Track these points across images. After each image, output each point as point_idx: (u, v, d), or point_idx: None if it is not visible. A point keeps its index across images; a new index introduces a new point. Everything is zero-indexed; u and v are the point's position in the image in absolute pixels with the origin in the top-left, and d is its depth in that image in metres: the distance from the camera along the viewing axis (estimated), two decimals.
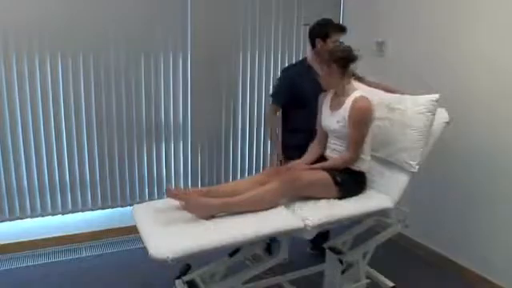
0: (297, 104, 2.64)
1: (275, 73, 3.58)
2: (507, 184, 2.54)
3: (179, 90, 3.32)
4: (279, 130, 2.82)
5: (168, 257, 1.58)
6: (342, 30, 2.58)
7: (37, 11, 2.80)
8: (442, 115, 2.22)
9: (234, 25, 3.39)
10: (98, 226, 3.28)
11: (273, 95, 2.82)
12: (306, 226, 1.87)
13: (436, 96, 2.09)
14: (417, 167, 2.11)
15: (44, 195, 3.06)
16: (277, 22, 3.52)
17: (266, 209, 1.92)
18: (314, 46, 2.62)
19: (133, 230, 1.98)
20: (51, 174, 3.05)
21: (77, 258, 3.05)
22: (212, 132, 3.47)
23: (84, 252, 3.12)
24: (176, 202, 1.91)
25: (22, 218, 3.04)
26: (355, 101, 2.09)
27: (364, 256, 2.38)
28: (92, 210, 3.24)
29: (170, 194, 1.94)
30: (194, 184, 3.48)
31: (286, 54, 3.59)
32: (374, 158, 2.25)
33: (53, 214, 3.12)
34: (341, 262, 2.30)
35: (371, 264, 2.47)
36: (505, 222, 2.58)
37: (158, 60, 3.20)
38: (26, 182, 2.99)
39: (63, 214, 3.15)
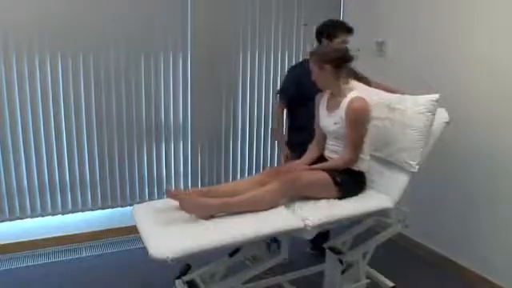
0: (302, 102, 2.64)
1: (275, 73, 3.58)
2: (507, 184, 2.55)
3: (179, 90, 3.32)
4: (285, 129, 2.82)
5: (168, 257, 1.58)
6: (348, 30, 2.59)
7: (37, 11, 2.80)
8: (442, 115, 2.22)
9: (234, 25, 3.39)
10: (98, 226, 3.28)
11: (280, 91, 2.84)
12: (306, 225, 1.87)
13: (436, 96, 2.09)
14: (417, 167, 2.11)
15: (44, 195, 3.06)
16: (277, 22, 3.52)
17: (266, 209, 1.92)
18: None
19: (133, 230, 1.98)
20: (51, 174, 3.05)
21: (77, 257, 3.05)
22: (212, 132, 3.48)
23: (84, 252, 3.12)
24: (176, 203, 1.91)
25: (22, 218, 3.04)
26: (351, 101, 2.08)
27: (364, 256, 2.38)
28: (92, 210, 3.24)
29: (170, 195, 1.94)
30: (194, 184, 3.48)
31: (286, 54, 3.60)
32: (373, 157, 2.25)
33: (53, 214, 3.12)
34: (341, 261, 2.30)
35: (371, 264, 2.47)
36: (505, 221, 2.58)
37: (158, 60, 3.20)
38: (26, 182, 3.00)
39: (63, 214, 3.15)
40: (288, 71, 2.92)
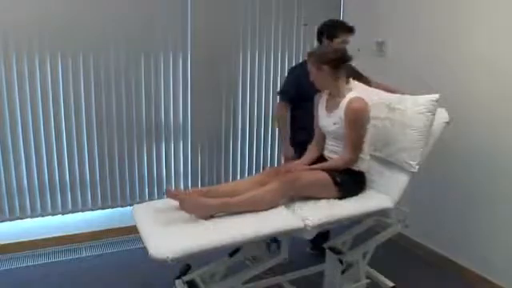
0: (302, 103, 2.64)
1: (275, 73, 3.58)
2: (507, 184, 2.55)
3: (179, 90, 3.32)
4: (288, 129, 2.82)
5: (168, 257, 1.58)
6: (349, 30, 2.58)
7: (37, 11, 2.80)
8: (442, 115, 2.22)
9: (234, 25, 3.39)
10: (98, 226, 3.28)
11: (281, 92, 2.83)
12: (306, 225, 1.87)
13: (436, 96, 2.09)
14: (417, 167, 2.11)
15: (44, 195, 3.06)
16: (277, 22, 3.52)
17: (266, 209, 1.92)
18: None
19: (133, 230, 1.98)
20: (51, 174, 3.05)
21: (77, 258, 3.05)
22: (212, 132, 3.48)
23: (84, 252, 3.12)
24: (176, 203, 1.91)
25: (22, 218, 3.04)
26: (350, 102, 2.08)
27: (364, 256, 2.38)
28: (92, 209, 3.24)
29: (170, 195, 1.94)
30: (194, 184, 3.48)
31: (286, 55, 3.59)
32: (373, 157, 2.25)
33: (53, 214, 3.12)
34: (341, 261, 2.30)
35: (371, 264, 2.47)
36: (505, 222, 2.58)
37: (158, 60, 3.20)
38: (26, 182, 3.00)
39: (63, 214, 3.15)
40: (288, 72, 2.93)
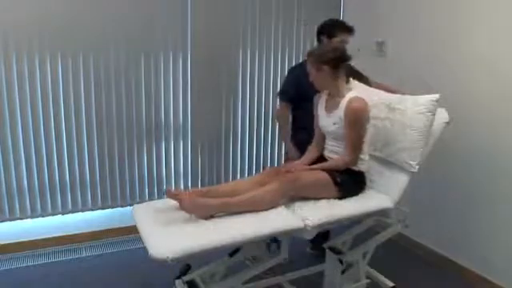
0: (302, 103, 2.63)
1: (275, 73, 3.58)
2: (507, 184, 2.55)
3: (179, 90, 3.32)
4: (289, 129, 2.82)
5: (168, 257, 1.58)
6: (349, 30, 2.58)
7: (37, 11, 2.80)
8: (442, 115, 2.22)
9: (234, 25, 3.39)
10: (98, 226, 3.28)
11: (281, 92, 2.83)
12: (306, 225, 1.87)
13: (436, 96, 2.09)
14: (417, 167, 2.11)
15: (44, 195, 3.06)
16: (277, 22, 3.52)
17: (266, 209, 1.92)
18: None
19: (133, 230, 1.98)
20: (51, 174, 3.05)
21: (77, 258, 3.05)
22: (212, 132, 3.48)
23: (84, 252, 3.12)
24: (176, 203, 1.91)
25: (22, 218, 3.04)
26: (350, 101, 2.08)
27: (364, 256, 2.38)
28: (92, 209, 3.24)
29: (170, 195, 1.94)
30: (194, 184, 3.48)
31: (286, 55, 3.59)
32: (373, 157, 2.25)
33: (53, 214, 3.12)
34: (341, 262, 2.30)
35: (371, 264, 2.47)
36: (505, 222, 2.58)
37: (158, 60, 3.20)
38: (26, 182, 3.00)
39: (63, 214, 3.15)
40: (288, 72, 2.93)
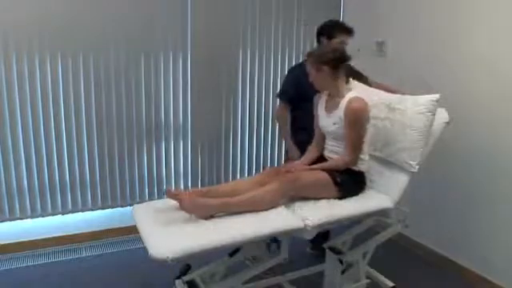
0: (302, 103, 2.63)
1: (275, 73, 3.58)
2: (507, 184, 2.55)
3: (179, 90, 3.32)
4: (289, 129, 2.82)
5: (168, 257, 1.58)
6: (348, 31, 2.58)
7: (37, 11, 2.80)
8: (442, 115, 2.22)
9: (234, 25, 3.39)
10: (98, 226, 3.28)
11: (281, 93, 2.83)
12: (306, 225, 1.87)
13: (436, 96, 2.09)
14: (417, 167, 2.11)
15: (44, 195, 3.06)
16: (277, 22, 3.52)
17: (266, 209, 1.92)
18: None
19: (133, 230, 1.97)
20: (51, 174, 3.05)
21: (77, 258, 3.05)
22: (212, 132, 3.48)
23: (84, 252, 3.12)
24: (176, 203, 1.91)
25: (22, 218, 3.04)
26: (350, 102, 2.08)
27: (364, 256, 2.38)
28: (92, 209, 3.24)
29: (170, 195, 1.94)
30: (194, 184, 3.48)
31: (287, 55, 3.59)
32: (373, 157, 2.25)
33: (53, 214, 3.12)
34: (341, 261, 2.30)
35: (371, 264, 2.47)
36: (505, 222, 2.58)
37: (158, 60, 3.20)
38: (26, 182, 3.00)
39: (63, 214, 3.15)
40: (288, 72, 2.93)
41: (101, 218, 3.29)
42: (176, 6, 3.18)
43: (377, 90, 2.38)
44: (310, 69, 2.13)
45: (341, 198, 2.08)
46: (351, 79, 2.28)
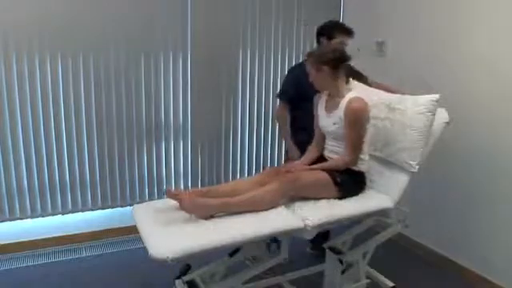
0: (302, 103, 2.63)
1: (275, 73, 3.58)
2: (507, 184, 2.55)
3: (179, 90, 3.32)
4: (288, 129, 2.82)
5: (168, 257, 1.58)
6: (347, 32, 2.58)
7: (37, 11, 2.80)
8: (442, 115, 2.22)
9: (234, 25, 3.39)
10: (98, 226, 3.28)
11: (281, 93, 2.83)
12: (306, 225, 1.87)
13: (436, 96, 2.09)
14: (417, 167, 2.11)
15: (44, 195, 3.06)
16: (277, 22, 3.52)
17: (266, 209, 1.92)
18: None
19: (133, 230, 1.97)
20: (51, 174, 3.05)
21: (77, 258, 3.05)
22: (212, 132, 3.48)
23: (84, 252, 3.12)
24: (176, 203, 1.91)
25: (22, 218, 3.04)
26: (350, 102, 2.08)
27: (364, 256, 2.38)
28: (92, 210, 3.24)
29: (170, 195, 1.94)
30: (194, 184, 3.48)
31: (287, 55, 3.59)
32: (373, 157, 2.25)
33: (53, 214, 3.12)
34: (341, 261, 2.30)
35: (371, 264, 2.47)
36: (505, 221, 2.58)
37: (158, 60, 3.21)
38: (26, 182, 3.00)
39: (63, 214, 3.15)
40: (287, 72, 2.93)
41: (101, 218, 3.29)
42: (176, 6, 3.18)
43: (377, 90, 2.38)
44: (310, 69, 2.13)
45: (341, 198, 2.08)
46: (351, 79, 2.28)
